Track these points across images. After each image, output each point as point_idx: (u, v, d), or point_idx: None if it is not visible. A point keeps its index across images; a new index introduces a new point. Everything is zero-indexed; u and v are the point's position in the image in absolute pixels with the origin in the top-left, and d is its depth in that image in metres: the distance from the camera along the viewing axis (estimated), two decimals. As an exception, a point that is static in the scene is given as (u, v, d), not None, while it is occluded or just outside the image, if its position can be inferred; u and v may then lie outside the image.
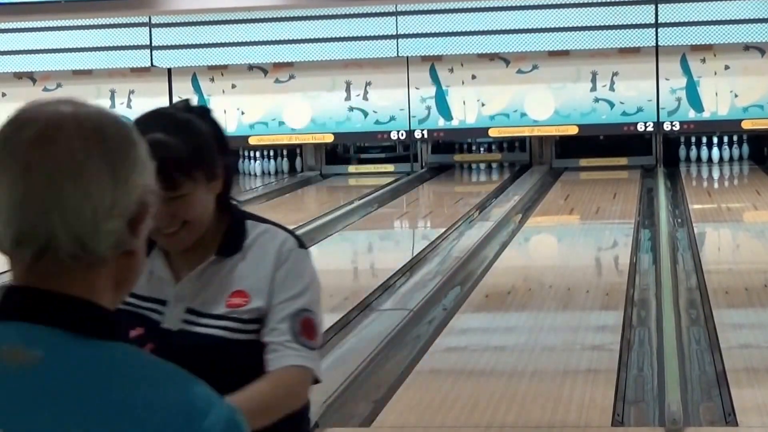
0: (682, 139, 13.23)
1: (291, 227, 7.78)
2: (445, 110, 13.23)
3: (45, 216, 1.27)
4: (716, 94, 12.80)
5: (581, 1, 12.63)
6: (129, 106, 13.75)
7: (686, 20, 12.50)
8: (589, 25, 12.63)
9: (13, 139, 1.30)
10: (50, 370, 1.25)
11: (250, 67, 13.47)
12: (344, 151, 14.09)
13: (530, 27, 12.69)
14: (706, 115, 12.85)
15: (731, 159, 13.15)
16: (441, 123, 13.23)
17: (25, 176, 1.28)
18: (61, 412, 1.24)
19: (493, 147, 13.67)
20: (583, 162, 13.44)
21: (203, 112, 2.30)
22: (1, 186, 1.29)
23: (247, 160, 14.05)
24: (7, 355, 1.26)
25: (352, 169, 13.88)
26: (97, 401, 1.25)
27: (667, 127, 12.88)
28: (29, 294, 1.29)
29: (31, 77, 13.84)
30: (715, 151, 13.15)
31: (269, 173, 13.93)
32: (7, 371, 1.26)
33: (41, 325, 1.27)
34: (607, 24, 12.61)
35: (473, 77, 13.14)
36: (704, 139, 13.18)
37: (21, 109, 1.34)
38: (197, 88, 13.63)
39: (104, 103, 13.63)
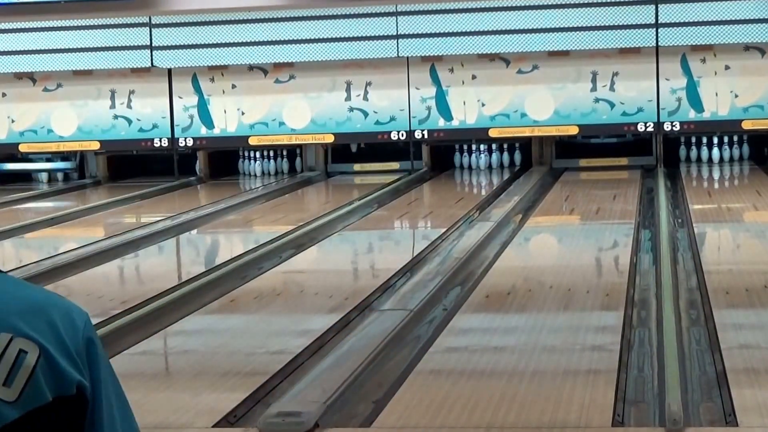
0: (683, 140, 13.24)
1: (291, 227, 7.81)
2: (445, 110, 13.23)
3: None
4: (716, 94, 12.81)
5: (581, 1, 12.63)
6: (129, 106, 13.75)
7: (686, 20, 12.50)
8: (589, 25, 12.63)
9: None
10: None
11: (250, 67, 13.48)
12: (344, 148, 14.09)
13: (530, 27, 12.69)
14: (706, 115, 12.86)
15: (731, 159, 13.15)
16: (441, 123, 13.24)
17: None
18: None
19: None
20: (583, 162, 13.45)
21: None
22: None
23: (247, 161, 14.06)
24: None
25: (357, 167, 13.91)
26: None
27: (667, 127, 12.89)
28: None
29: (31, 77, 13.83)
30: (716, 151, 13.15)
31: (269, 174, 13.94)
32: None
33: None
34: (607, 24, 12.61)
35: (473, 77, 13.14)
36: (704, 140, 13.18)
37: None
38: (197, 88, 13.63)
39: (104, 103, 13.69)
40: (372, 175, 13.46)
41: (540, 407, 4.43)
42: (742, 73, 12.76)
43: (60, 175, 14.35)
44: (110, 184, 13.88)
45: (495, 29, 12.76)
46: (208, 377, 5.10)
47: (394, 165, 13.65)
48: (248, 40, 13.17)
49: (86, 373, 1.86)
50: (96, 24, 13.22)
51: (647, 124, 12.90)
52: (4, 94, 13.93)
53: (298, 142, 13.64)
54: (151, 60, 13.37)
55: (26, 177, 14.42)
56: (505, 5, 12.75)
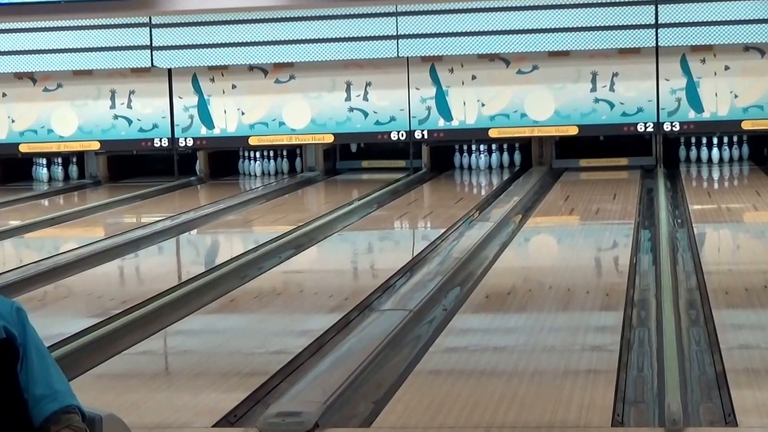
0: (682, 140, 13.24)
1: (291, 227, 7.84)
2: (445, 111, 13.23)
3: None
4: (716, 94, 12.81)
5: (581, 2, 12.63)
6: (129, 106, 13.75)
7: (686, 21, 12.50)
8: (589, 25, 12.63)
9: None
10: None
11: (251, 68, 13.48)
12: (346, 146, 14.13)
13: (530, 27, 12.69)
14: (706, 115, 12.86)
15: (731, 159, 13.15)
16: (441, 123, 13.24)
17: None
18: None
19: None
20: (583, 162, 13.45)
21: None
22: None
23: (247, 161, 14.06)
24: None
25: (365, 164, 13.96)
26: None
27: (667, 127, 12.89)
28: None
29: (31, 77, 13.83)
30: (715, 151, 13.16)
31: (269, 174, 13.95)
32: None
33: None
34: (607, 24, 12.61)
35: (473, 78, 13.14)
36: (704, 140, 13.19)
37: None
38: (197, 89, 13.63)
39: (104, 103, 13.69)
40: (379, 173, 13.50)
41: (540, 407, 4.43)
42: (742, 73, 12.76)
43: (60, 174, 14.34)
44: (110, 184, 13.88)
45: (495, 29, 12.76)
46: (208, 377, 5.11)
47: (401, 162, 13.71)
48: (248, 40, 13.17)
49: (16, 329, 2.54)
50: (96, 24, 13.22)
51: (647, 125, 12.90)
52: (4, 94, 13.93)
53: (298, 142, 13.65)
54: (151, 60, 13.37)
55: (26, 176, 14.41)
56: (505, 5, 12.75)
